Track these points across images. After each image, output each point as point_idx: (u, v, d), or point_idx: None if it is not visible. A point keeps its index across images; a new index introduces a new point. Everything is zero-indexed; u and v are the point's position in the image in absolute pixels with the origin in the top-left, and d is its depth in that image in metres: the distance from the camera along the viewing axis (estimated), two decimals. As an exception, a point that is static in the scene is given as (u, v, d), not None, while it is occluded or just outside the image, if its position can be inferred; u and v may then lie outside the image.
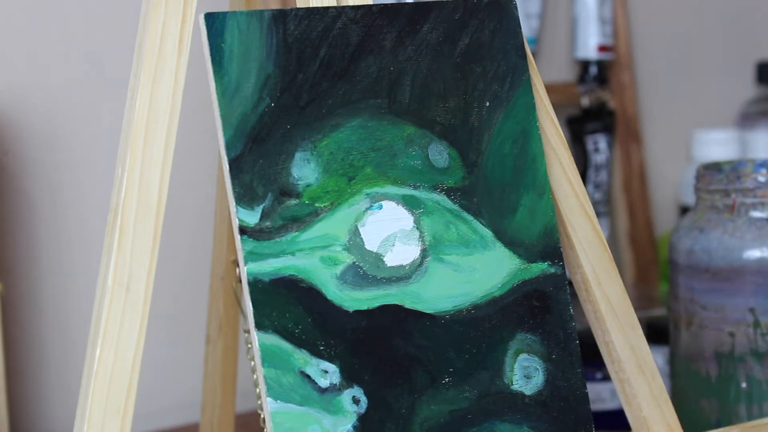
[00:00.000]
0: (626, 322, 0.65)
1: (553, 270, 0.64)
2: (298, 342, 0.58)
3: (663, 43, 1.33)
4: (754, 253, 0.80)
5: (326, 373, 0.58)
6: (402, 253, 0.61)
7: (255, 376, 0.68)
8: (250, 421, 0.93)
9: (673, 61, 1.34)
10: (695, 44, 1.35)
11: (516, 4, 0.65)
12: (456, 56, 0.63)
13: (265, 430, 0.57)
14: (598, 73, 1.24)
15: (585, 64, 1.24)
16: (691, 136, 1.24)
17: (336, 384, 0.58)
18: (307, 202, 0.60)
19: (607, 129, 1.24)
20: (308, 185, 0.60)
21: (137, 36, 0.60)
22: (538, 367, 0.62)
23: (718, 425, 0.82)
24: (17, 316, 0.99)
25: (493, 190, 0.63)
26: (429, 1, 0.63)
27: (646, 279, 1.30)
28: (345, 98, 0.61)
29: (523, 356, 0.62)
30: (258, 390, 0.60)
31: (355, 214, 0.60)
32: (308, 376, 0.58)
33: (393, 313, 0.60)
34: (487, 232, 0.63)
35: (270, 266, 0.58)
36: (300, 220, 0.59)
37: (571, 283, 0.66)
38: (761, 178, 0.81)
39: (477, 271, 0.62)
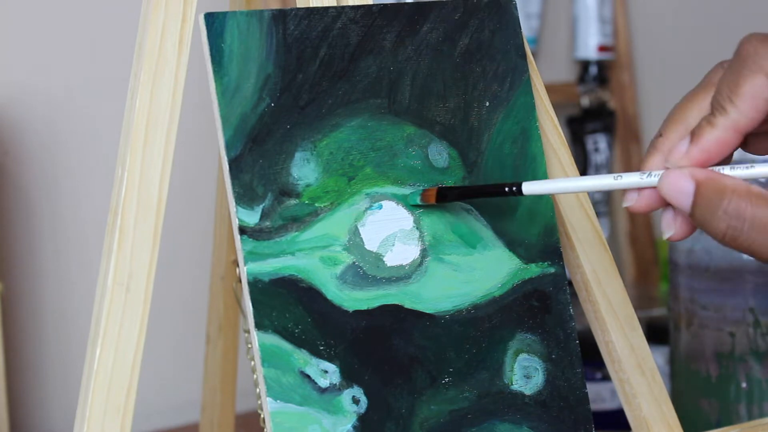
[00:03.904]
0: (626, 322, 0.65)
1: (553, 270, 0.64)
2: (298, 342, 0.58)
3: (663, 43, 1.33)
4: (754, 253, 0.80)
5: (326, 373, 0.58)
6: (402, 253, 0.61)
7: (255, 376, 0.68)
8: (250, 421, 0.93)
9: (673, 61, 1.34)
10: (695, 44, 1.35)
11: (516, 4, 0.65)
12: (456, 56, 0.63)
13: (265, 430, 0.57)
14: (598, 73, 1.24)
15: (585, 64, 1.24)
16: (691, 136, 1.24)
17: (336, 384, 0.58)
18: (306, 202, 0.60)
19: (607, 129, 1.24)
20: (308, 185, 0.60)
21: (137, 36, 0.60)
22: (537, 367, 0.62)
23: (718, 425, 0.82)
24: (17, 316, 0.99)
25: (493, 190, 0.63)
26: (429, 1, 0.63)
27: (646, 279, 1.30)
28: (345, 98, 0.61)
29: (522, 356, 0.62)
30: (258, 390, 0.60)
31: (355, 214, 0.60)
32: (308, 376, 0.58)
33: (393, 313, 0.60)
34: (487, 232, 0.63)
35: (270, 266, 0.58)
36: (300, 220, 0.59)
37: (571, 283, 0.66)
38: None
39: (477, 271, 0.62)
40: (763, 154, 0.59)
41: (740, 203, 0.53)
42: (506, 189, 0.58)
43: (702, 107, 0.56)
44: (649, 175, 0.55)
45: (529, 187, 0.58)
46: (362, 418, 0.58)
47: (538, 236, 0.64)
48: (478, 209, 0.63)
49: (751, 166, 0.54)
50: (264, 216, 0.58)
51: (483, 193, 0.61)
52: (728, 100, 0.54)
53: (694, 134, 0.55)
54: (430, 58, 0.63)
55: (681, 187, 0.54)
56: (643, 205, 0.56)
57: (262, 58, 0.59)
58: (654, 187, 0.55)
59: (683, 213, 0.55)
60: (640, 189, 0.56)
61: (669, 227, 0.56)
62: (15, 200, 0.99)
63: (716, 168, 0.55)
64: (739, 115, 0.54)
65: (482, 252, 0.63)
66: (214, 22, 0.59)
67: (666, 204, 0.56)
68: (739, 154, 0.58)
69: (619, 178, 0.56)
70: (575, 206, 0.66)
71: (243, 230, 0.58)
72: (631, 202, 0.56)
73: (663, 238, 0.57)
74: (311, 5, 0.61)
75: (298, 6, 0.61)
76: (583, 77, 1.24)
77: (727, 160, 0.55)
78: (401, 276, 0.61)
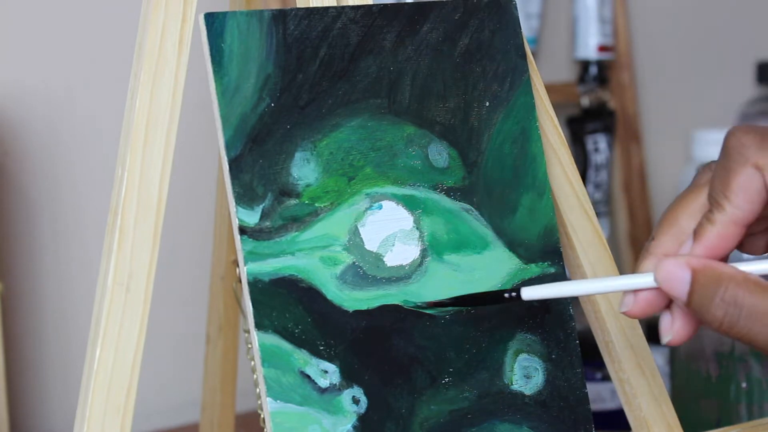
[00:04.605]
0: (626, 322, 0.65)
1: (553, 270, 0.64)
2: (298, 342, 0.58)
3: (663, 43, 1.33)
4: (754, 253, 0.80)
5: (326, 373, 0.58)
6: (402, 253, 0.61)
7: (255, 376, 0.68)
8: (250, 421, 0.93)
9: (673, 61, 1.34)
10: (695, 44, 1.35)
11: (516, 4, 0.65)
12: (456, 56, 0.63)
13: (265, 430, 0.57)
14: (598, 73, 1.24)
15: (585, 64, 1.24)
16: (691, 136, 1.24)
17: (336, 384, 0.58)
18: (306, 202, 0.60)
19: (607, 129, 1.24)
20: (308, 185, 0.60)
21: (137, 36, 0.60)
22: (537, 367, 0.62)
23: (718, 425, 0.82)
24: (17, 316, 0.99)
25: (493, 190, 0.63)
26: (429, 1, 0.63)
27: (646, 279, 1.30)
28: (345, 98, 0.61)
29: (522, 356, 0.62)
30: (258, 390, 0.60)
31: (355, 214, 0.60)
32: (308, 376, 0.58)
33: (393, 313, 0.60)
34: (487, 232, 0.63)
35: (270, 266, 0.58)
36: (300, 220, 0.59)
37: (571, 283, 0.66)
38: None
39: (477, 271, 0.62)
40: (759, 254, 0.59)
41: (737, 291, 0.53)
42: (506, 295, 0.58)
43: (693, 210, 0.57)
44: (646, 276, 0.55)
45: (528, 293, 0.57)
46: (362, 418, 0.58)
47: (538, 236, 0.64)
48: (478, 209, 0.63)
49: (758, 260, 0.55)
50: (264, 216, 0.59)
51: (482, 300, 0.60)
52: (722, 196, 0.55)
53: (696, 233, 0.55)
54: (430, 58, 0.63)
55: (677, 276, 0.54)
56: (640, 307, 0.56)
57: (262, 58, 0.59)
58: (651, 289, 0.55)
59: (680, 306, 0.55)
60: (636, 291, 0.55)
61: (667, 332, 0.56)
62: (15, 200, 0.99)
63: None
64: (735, 209, 0.54)
65: (482, 252, 0.63)
66: (214, 22, 0.59)
67: (663, 307, 0.56)
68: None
69: (615, 280, 0.56)
70: (575, 206, 0.66)
71: (243, 230, 0.58)
72: (627, 306, 0.56)
73: (662, 343, 0.57)
74: (311, 5, 0.61)
75: (298, 6, 0.61)
76: (583, 77, 1.24)
77: (725, 258, 0.56)
78: (401, 276, 0.61)
